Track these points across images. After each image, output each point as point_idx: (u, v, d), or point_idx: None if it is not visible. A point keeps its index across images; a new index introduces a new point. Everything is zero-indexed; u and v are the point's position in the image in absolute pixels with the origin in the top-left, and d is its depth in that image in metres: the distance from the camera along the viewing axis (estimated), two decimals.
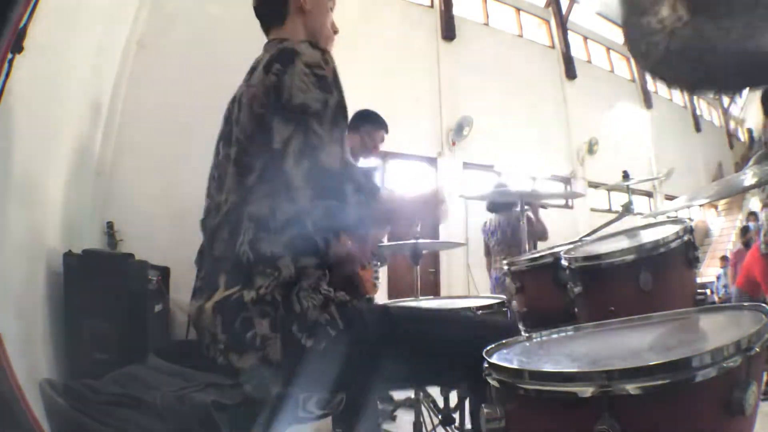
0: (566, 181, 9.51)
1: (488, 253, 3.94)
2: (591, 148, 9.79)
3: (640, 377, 0.69)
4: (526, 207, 2.41)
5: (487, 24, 9.45)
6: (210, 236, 1.13)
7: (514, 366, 0.84)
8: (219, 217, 1.10)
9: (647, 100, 12.01)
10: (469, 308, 1.76)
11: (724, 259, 10.26)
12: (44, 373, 2.07)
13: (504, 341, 1.05)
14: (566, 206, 9.25)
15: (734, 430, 0.73)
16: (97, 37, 2.94)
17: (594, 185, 9.54)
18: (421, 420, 2.11)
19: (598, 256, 1.44)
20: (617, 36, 11.93)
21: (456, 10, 8.65)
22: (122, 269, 2.55)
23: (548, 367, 0.87)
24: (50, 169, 2.43)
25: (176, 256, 2.74)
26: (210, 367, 1.04)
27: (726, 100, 15.34)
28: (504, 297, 1.91)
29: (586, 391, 0.71)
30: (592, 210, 9.78)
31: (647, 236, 1.55)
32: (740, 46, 0.60)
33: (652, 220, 1.88)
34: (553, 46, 10.37)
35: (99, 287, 2.40)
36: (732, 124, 15.53)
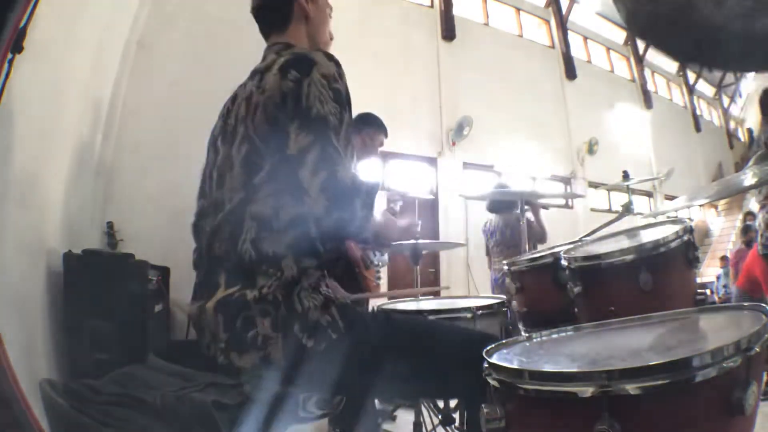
0: (566, 181, 9.51)
1: (488, 253, 3.95)
2: (591, 148, 9.80)
3: (640, 377, 0.69)
4: (526, 207, 2.41)
5: (487, 24, 9.44)
6: (210, 236, 1.12)
7: (514, 366, 0.84)
8: (221, 216, 1.10)
9: (647, 100, 12.01)
10: (468, 308, 1.76)
11: (724, 259, 10.26)
12: (44, 373, 2.07)
13: (504, 341, 1.05)
14: (566, 206, 9.26)
15: (734, 430, 0.73)
16: (97, 37, 2.94)
17: (594, 185, 9.54)
18: (421, 420, 2.11)
19: (598, 256, 1.44)
20: (617, 36, 11.95)
21: (456, 10, 8.65)
22: (122, 269, 2.55)
23: (548, 367, 0.87)
24: (50, 169, 2.43)
25: (176, 256, 2.74)
26: (210, 367, 1.05)
27: (726, 99, 15.35)
28: (504, 297, 1.91)
29: (586, 391, 0.71)
30: (592, 210, 9.79)
31: (647, 236, 1.55)
32: (734, 24, 0.59)
33: (652, 220, 1.87)
34: (553, 46, 10.37)
35: (99, 287, 2.40)
36: (732, 124, 15.53)
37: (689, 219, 1.67)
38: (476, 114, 8.10)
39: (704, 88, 15.09)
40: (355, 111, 1.19)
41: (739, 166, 12.33)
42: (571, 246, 1.73)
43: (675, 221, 1.59)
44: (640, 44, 12.00)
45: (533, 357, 0.96)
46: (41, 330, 2.18)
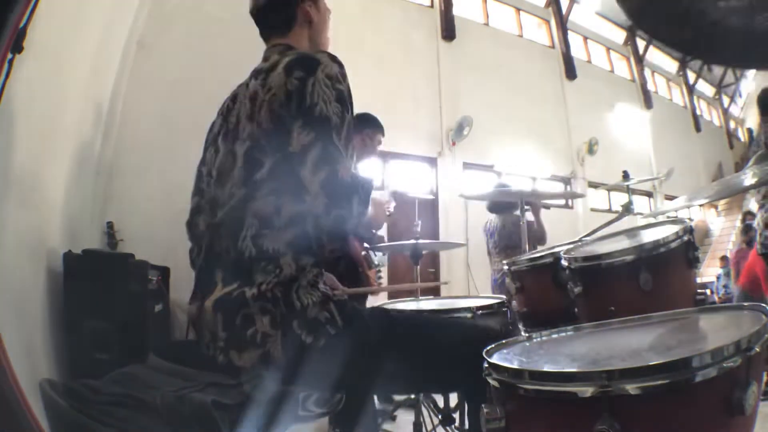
0: (566, 181, 9.51)
1: (489, 253, 3.95)
2: (591, 148, 9.79)
3: (640, 377, 0.69)
4: (526, 208, 2.41)
5: (487, 24, 9.44)
6: (210, 233, 1.12)
7: (514, 366, 0.84)
8: (221, 213, 1.10)
9: (647, 100, 12.01)
10: (469, 308, 1.76)
11: (724, 259, 10.26)
12: (44, 373, 2.07)
13: (504, 341, 1.05)
14: (566, 206, 9.26)
15: (734, 430, 0.73)
16: (97, 37, 2.94)
17: (594, 185, 9.54)
18: (421, 420, 2.11)
19: (598, 256, 1.44)
20: (617, 36, 11.95)
21: (456, 10, 8.64)
22: (122, 269, 2.55)
23: (548, 367, 0.87)
24: (50, 169, 2.43)
25: (176, 256, 2.74)
26: (210, 367, 1.05)
27: (726, 99, 15.34)
28: (504, 297, 1.91)
29: (586, 391, 0.71)
30: (592, 210, 9.78)
31: (647, 236, 1.55)
32: (732, 20, 0.58)
33: (652, 220, 1.87)
34: (553, 46, 10.37)
35: (99, 287, 2.40)
36: (732, 124, 15.53)
37: (689, 219, 1.67)
38: (476, 114, 8.09)
39: (704, 88, 15.09)
40: (355, 111, 1.19)
41: (739, 166, 12.34)
42: (571, 246, 1.73)
43: (675, 221, 1.59)
44: (640, 44, 12.01)
45: (533, 357, 0.96)
46: (41, 330, 2.18)
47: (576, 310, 1.52)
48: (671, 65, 13.55)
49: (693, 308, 1.11)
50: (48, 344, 2.22)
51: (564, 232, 3.91)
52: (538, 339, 1.09)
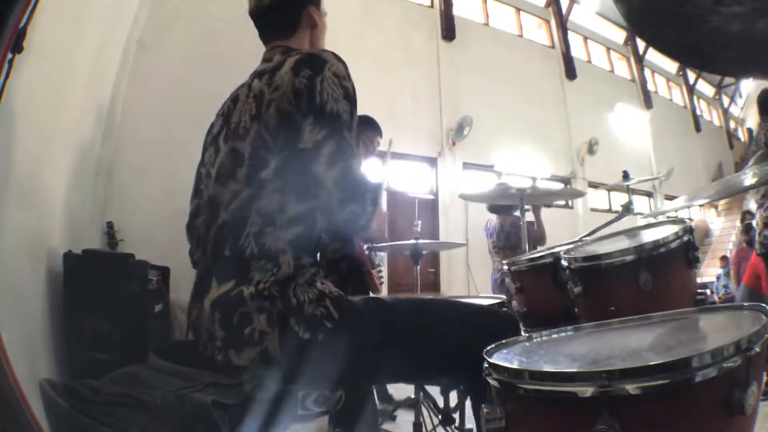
0: (566, 181, 9.51)
1: (490, 252, 3.96)
2: (591, 148, 9.80)
3: (640, 377, 0.69)
4: (527, 208, 2.41)
5: (487, 24, 9.45)
6: (212, 232, 1.12)
7: (514, 366, 0.84)
8: (224, 212, 1.10)
9: (647, 100, 12.01)
10: None
11: (724, 259, 10.25)
12: (44, 373, 2.07)
13: (504, 341, 1.05)
14: (566, 206, 9.26)
15: (734, 430, 0.73)
16: (98, 37, 2.94)
17: (594, 185, 9.54)
18: (421, 420, 2.11)
19: (598, 256, 1.44)
20: (617, 36, 11.96)
21: (456, 10, 8.65)
22: (122, 269, 2.55)
23: (548, 367, 0.87)
24: (50, 169, 2.43)
25: (176, 256, 2.73)
26: (210, 367, 1.04)
27: (726, 99, 15.35)
28: (504, 297, 1.91)
29: (586, 391, 0.71)
30: (592, 210, 9.79)
31: (647, 236, 1.55)
32: (732, 26, 0.57)
33: (652, 220, 1.87)
34: (553, 46, 10.37)
35: (99, 287, 2.40)
36: (732, 124, 15.54)
37: (689, 219, 1.67)
38: (476, 114, 8.10)
39: (704, 88, 15.10)
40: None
41: (739, 166, 12.33)
42: (571, 246, 1.72)
43: (675, 221, 1.59)
44: (640, 44, 12.00)
45: (533, 357, 0.96)
46: (41, 330, 2.18)
47: (576, 310, 1.52)
48: (671, 65, 13.55)
49: (693, 308, 1.11)
50: (48, 344, 2.23)
51: (564, 232, 3.92)
52: (538, 339, 1.09)
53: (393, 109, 7.01)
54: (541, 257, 1.73)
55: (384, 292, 3.55)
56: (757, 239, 3.18)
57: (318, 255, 1.12)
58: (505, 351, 1.01)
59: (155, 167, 3.38)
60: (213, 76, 2.89)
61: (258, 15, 1.28)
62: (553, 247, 1.87)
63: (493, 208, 3.87)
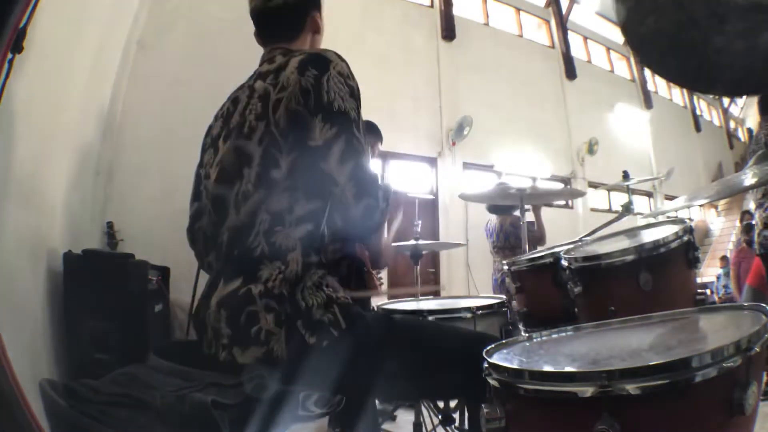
0: (566, 181, 9.51)
1: (491, 252, 3.96)
2: (591, 148, 9.79)
3: (640, 377, 0.69)
4: (527, 208, 2.41)
5: (487, 24, 9.44)
6: (228, 235, 1.12)
7: (514, 366, 0.84)
8: (233, 211, 1.10)
9: (647, 100, 12.00)
10: (469, 308, 1.76)
11: (724, 259, 10.25)
12: (44, 373, 2.07)
13: (504, 341, 1.05)
14: (566, 206, 9.26)
15: (734, 430, 0.73)
16: (97, 37, 2.94)
17: (594, 185, 9.54)
18: (421, 420, 2.11)
19: (598, 256, 1.44)
20: (617, 36, 11.94)
21: (456, 10, 8.63)
22: (122, 269, 2.55)
23: (548, 367, 0.87)
24: (50, 169, 2.43)
25: (176, 256, 2.74)
26: (210, 367, 1.04)
27: (726, 100, 15.34)
28: (504, 297, 1.91)
29: (586, 391, 0.71)
30: (592, 210, 9.78)
31: (647, 236, 1.55)
32: (736, 45, 0.58)
33: (652, 220, 1.87)
34: (553, 46, 10.36)
35: (99, 287, 2.40)
36: (732, 124, 15.53)
37: (689, 219, 1.67)
38: (476, 114, 8.09)
39: None
40: None
41: (739, 166, 12.32)
42: (571, 246, 1.73)
43: (675, 221, 1.59)
44: None
45: (533, 357, 0.96)
46: (41, 330, 2.18)
47: (576, 310, 1.52)
48: None
49: (693, 308, 1.11)
50: (48, 344, 2.23)
51: (564, 232, 3.91)
52: (538, 339, 1.09)
53: (393, 109, 7.00)
54: (541, 257, 1.73)
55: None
56: (757, 239, 3.17)
57: (324, 254, 1.12)
58: (505, 351, 1.01)
59: (155, 167, 3.37)
60: (213, 76, 2.89)
61: (262, 15, 1.27)
62: (553, 247, 1.87)
63: (492, 209, 3.87)
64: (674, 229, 1.44)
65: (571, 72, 10.18)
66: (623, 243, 1.56)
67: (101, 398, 0.93)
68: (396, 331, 1.15)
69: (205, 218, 1.19)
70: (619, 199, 8.54)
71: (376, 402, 1.67)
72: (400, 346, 1.11)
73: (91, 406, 0.91)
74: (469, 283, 7.18)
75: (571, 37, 10.59)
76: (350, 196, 1.06)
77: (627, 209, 2.43)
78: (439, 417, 1.99)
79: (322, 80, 1.08)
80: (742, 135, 15.53)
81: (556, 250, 1.74)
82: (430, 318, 1.78)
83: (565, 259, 1.52)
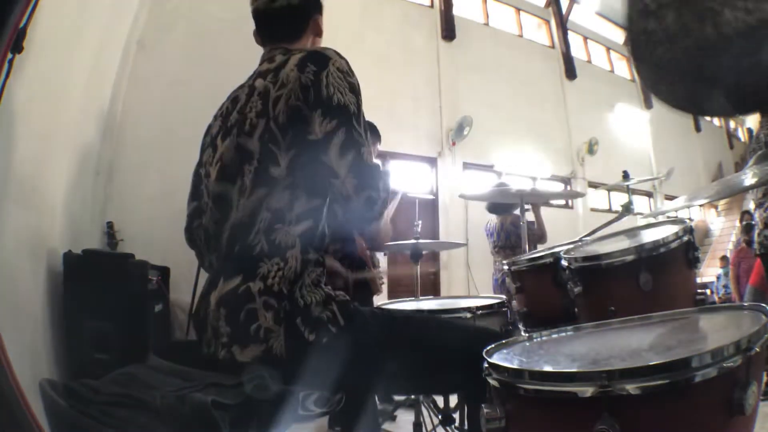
0: (566, 181, 9.51)
1: (491, 252, 3.96)
2: (591, 148, 9.78)
3: (640, 377, 0.69)
4: (527, 207, 2.41)
5: (487, 24, 9.44)
6: (230, 233, 1.12)
7: (514, 366, 0.84)
8: (234, 209, 1.10)
9: (647, 100, 11.98)
10: (469, 308, 1.76)
11: (724, 259, 10.25)
12: (44, 373, 2.07)
13: (504, 341, 1.05)
14: (566, 206, 9.25)
15: (734, 430, 0.73)
16: (97, 37, 2.94)
17: (594, 185, 9.53)
18: (421, 420, 2.11)
19: (598, 256, 1.44)
20: (617, 36, 11.94)
21: (456, 10, 8.63)
22: (122, 269, 2.55)
23: (548, 367, 0.87)
24: (50, 169, 2.43)
25: (176, 256, 2.74)
26: (210, 367, 1.04)
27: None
28: (504, 297, 1.91)
29: (586, 391, 0.71)
30: (592, 210, 9.78)
31: (647, 236, 1.55)
32: (742, 62, 0.58)
33: (652, 220, 1.87)
34: (553, 46, 10.36)
35: (99, 287, 2.40)
36: (732, 124, 15.53)
37: (689, 219, 1.67)
38: (476, 114, 8.09)
39: None
40: None
41: (739, 166, 12.32)
42: (571, 246, 1.73)
43: (675, 221, 1.59)
44: None
45: (533, 357, 0.96)
46: (41, 330, 2.18)
47: (576, 310, 1.52)
48: None
49: (693, 308, 1.11)
50: (48, 344, 2.23)
51: (564, 232, 3.91)
52: (538, 339, 1.09)
53: (393, 109, 7.00)
54: (541, 257, 1.73)
55: (384, 292, 3.56)
56: (756, 239, 3.16)
57: (323, 251, 1.12)
58: (505, 351, 1.01)
59: (155, 167, 3.37)
60: (213, 76, 2.89)
61: (265, 15, 1.28)
62: (553, 247, 1.87)
63: (492, 208, 3.87)
64: (674, 229, 1.44)
65: (571, 72, 10.17)
66: (623, 243, 1.56)
67: (101, 398, 0.93)
68: (395, 329, 1.15)
69: (204, 217, 1.19)
70: (619, 199, 8.54)
71: (377, 402, 1.67)
72: (399, 344, 1.11)
73: (91, 406, 0.91)
74: (469, 283, 7.18)
75: (571, 37, 10.59)
76: (351, 189, 1.06)
77: (627, 209, 2.43)
78: (439, 417, 1.99)
79: (321, 76, 1.09)
80: (742, 135, 15.53)
81: (556, 250, 1.74)
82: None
83: (565, 259, 1.52)
